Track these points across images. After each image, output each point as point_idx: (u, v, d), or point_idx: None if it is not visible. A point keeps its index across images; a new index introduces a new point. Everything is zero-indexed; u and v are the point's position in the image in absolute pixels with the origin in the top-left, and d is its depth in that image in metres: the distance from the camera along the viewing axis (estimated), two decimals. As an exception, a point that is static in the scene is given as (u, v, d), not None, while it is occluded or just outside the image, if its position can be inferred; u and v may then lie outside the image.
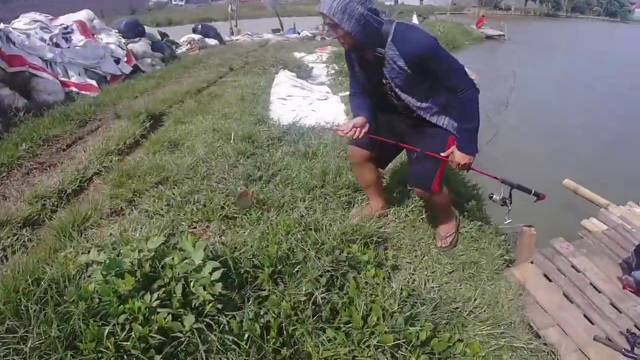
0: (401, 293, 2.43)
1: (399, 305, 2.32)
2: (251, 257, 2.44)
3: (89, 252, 2.20)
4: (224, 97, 6.32)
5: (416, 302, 2.46)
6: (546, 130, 9.30)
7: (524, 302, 3.08)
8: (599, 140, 8.80)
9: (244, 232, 2.76)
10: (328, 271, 2.43)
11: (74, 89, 6.57)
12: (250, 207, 2.98)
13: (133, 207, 3.06)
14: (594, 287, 3.28)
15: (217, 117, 5.20)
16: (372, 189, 3.18)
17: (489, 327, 2.51)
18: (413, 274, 2.87)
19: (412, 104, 2.58)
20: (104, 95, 6.28)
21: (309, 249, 2.57)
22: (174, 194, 3.13)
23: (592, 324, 2.97)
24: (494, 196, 2.84)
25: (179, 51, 11.82)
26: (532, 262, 3.58)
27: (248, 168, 3.61)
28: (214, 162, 3.70)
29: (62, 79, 6.63)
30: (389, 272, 2.77)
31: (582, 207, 5.87)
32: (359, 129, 2.54)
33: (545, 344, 2.72)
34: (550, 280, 3.38)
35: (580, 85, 14.38)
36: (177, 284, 1.98)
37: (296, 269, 2.41)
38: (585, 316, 3.03)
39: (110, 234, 2.72)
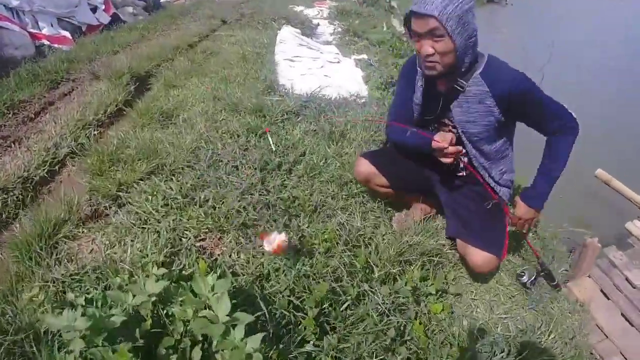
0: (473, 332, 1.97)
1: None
2: (287, 293, 1.79)
3: (64, 293, 1.53)
4: (221, 55, 5.47)
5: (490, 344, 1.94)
6: (580, 108, 8.48)
7: (585, 325, 2.77)
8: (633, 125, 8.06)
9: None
10: (387, 312, 1.83)
11: (45, 42, 5.66)
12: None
13: (119, 208, 2.35)
14: None
15: (216, 80, 4.40)
16: (405, 195, 2.60)
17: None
18: (475, 299, 2.33)
19: (478, 161, 2.12)
20: (78, 49, 5.31)
21: (360, 279, 1.94)
22: (172, 189, 2.41)
23: None
24: (524, 277, 2.45)
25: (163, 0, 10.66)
26: (589, 276, 3.32)
27: (263, 152, 2.89)
28: (219, 142, 2.96)
29: (32, 30, 5.69)
30: (452, 302, 2.22)
31: (615, 201, 5.45)
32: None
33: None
34: (608, 298, 3.18)
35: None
36: (193, 348, 1.36)
37: (347, 309, 1.84)
38: None
39: (92, 251, 2.03)
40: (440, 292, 2.16)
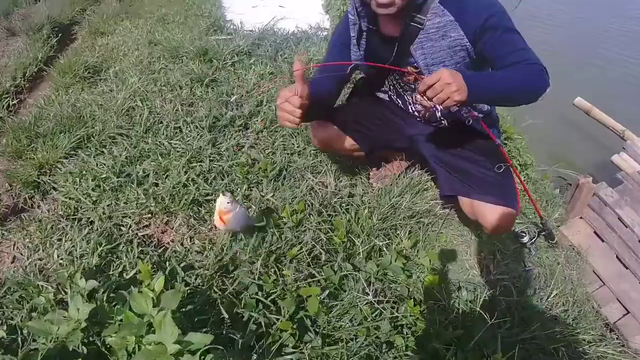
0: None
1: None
2: (255, 289, 1.45)
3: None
4: (157, -11, 4.76)
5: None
6: (561, 38, 8.05)
7: (582, 273, 2.71)
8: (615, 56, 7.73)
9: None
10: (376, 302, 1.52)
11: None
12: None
13: (43, 197, 1.90)
14: None
15: (152, 21, 3.77)
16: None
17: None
18: (469, 259, 2.08)
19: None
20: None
21: (341, 257, 1.61)
22: (104, 165, 1.97)
23: None
24: (525, 238, 2.18)
25: None
26: (580, 217, 3.23)
27: (212, 105, 2.43)
28: (157, 99, 2.47)
29: None
30: (447, 267, 1.94)
31: (596, 133, 5.24)
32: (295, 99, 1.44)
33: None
34: (602, 240, 3.13)
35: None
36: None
37: (329, 297, 1.53)
38: None
39: (14, 260, 1.62)
40: (432, 261, 1.85)
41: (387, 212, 1.92)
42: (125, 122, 2.27)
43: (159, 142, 2.10)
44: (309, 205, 1.89)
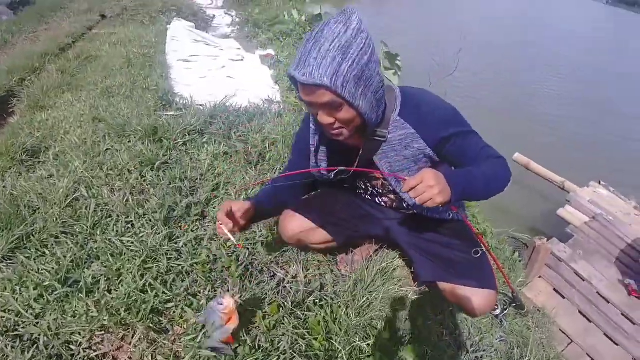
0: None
1: None
2: None
3: None
4: (100, 60, 4.61)
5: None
6: (496, 97, 8.64)
7: (551, 333, 2.76)
8: (546, 112, 8.41)
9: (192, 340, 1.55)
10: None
11: None
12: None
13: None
14: (603, 298, 3.32)
15: (96, 94, 3.61)
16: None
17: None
18: (444, 340, 2.05)
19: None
20: None
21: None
22: (46, 271, 1.75)
23: (617, 345, 2.99)
24: (497, 310, 2.14)
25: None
26: (540, 277, 3.43)
27: (165, 192, 2.28)
28: (104, 187, 2.28)
29: None
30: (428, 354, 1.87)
31: (538, 187, 5.64)
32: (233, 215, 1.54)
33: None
34: (563, 297, 3.32)
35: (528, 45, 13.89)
36: None
37: None
38: (607, 336, 3.06)
39: None
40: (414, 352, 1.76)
41: (363, 304, 1.83)
42: (68, 216, 2.06)
43: (109, 240, 1.91)
44: (281, 307, 1.75)
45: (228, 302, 1.42)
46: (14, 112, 3.53)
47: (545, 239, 3.36)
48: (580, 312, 3.23)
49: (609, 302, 3.25)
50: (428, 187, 1.22)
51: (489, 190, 1.42)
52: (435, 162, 1.56)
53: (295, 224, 1.82)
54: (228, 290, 1.79)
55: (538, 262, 3.26)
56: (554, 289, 3.40)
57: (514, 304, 2.15)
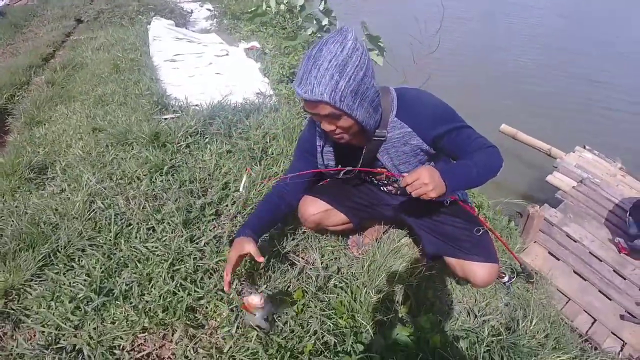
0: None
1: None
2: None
3: None
4: (87, 67, 4.61)
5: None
6: (478, 72, 8.73)
7: (549, 294, 2.89)
8: (528, 82, 8.51)
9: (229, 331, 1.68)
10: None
11: None
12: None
13: (15, 328, 1.73)
14: (595, 257, 3.52)
15: (89, 104, 3.64)
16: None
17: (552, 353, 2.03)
18: (454, 308, 2.20)
19: None
20: None
21: (352, 341, 1.69)
22: (79, 284, 1.84)
23: (610, 299, 3.20)
24: (505, 278, 2.41)
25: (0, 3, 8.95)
26: (535, 242, 3.59)
27: (177, 195, 2.37)
28: (120, 197, 2.37)
29: None
30: (442, 322, 2.04)
31: (525, 155, 5.78)
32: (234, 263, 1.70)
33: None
34: (557, 259, 3.48)
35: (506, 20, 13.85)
36: None
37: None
38: (601, 292, 3.26)
39: None
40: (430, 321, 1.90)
41: (379, 282, 1.96)
42: (90, 228, 2.14)
43: (134, 247, 2.01)
44: (305, 292, 1.88)
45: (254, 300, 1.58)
46: (10, 130, 3.55)
47: (538, 205, 3.49)
48: (575, 272, 3.40)
49: (601, 261, 3.43)
50: (423, 184, 1.41)
51: (482, 178, 1.59)
52: (433, 155, 1.74)
53: (314, 207, 1.96)
54: (255, 284, 1.90)
55: (532, 228, 3.41)
56: (549, 252, 3.56)
57: (523, 274, 2.35)
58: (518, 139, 5.64)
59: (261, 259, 1.65)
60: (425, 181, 1.41)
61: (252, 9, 5.54)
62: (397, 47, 5.26)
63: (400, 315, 1.91)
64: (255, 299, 1.58)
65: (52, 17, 6.90)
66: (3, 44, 5.87)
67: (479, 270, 1.80)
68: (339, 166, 1.81)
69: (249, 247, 1.66)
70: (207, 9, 7.09)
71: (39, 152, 2.89)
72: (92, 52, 5.07)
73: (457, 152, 1.65)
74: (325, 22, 5.36)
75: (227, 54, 4.83)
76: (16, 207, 2.35)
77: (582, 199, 4.24)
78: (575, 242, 3.64)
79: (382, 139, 1.68)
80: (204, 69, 4.36)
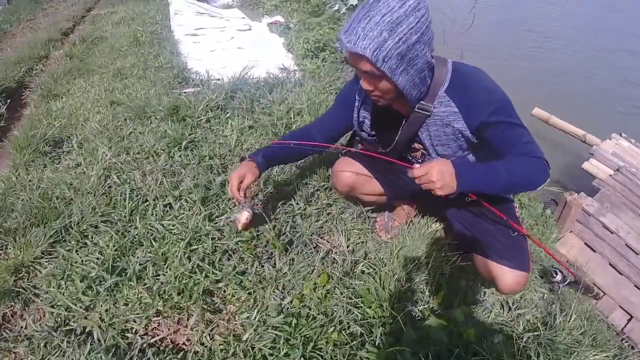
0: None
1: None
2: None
3: None
4: (107, 41, 4.51)
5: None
6: (512, 52, 8.35)
7: (585, 287, 2.57)
8: (564, 68, 8.11)
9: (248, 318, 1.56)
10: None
11: None
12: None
13: (25, 307, 1.64)
14: (632, 249, 3.31)
15: (108, 77, 3.54)
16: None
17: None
18: (486, 300, 1.99)
19: None
20: None
21: (382, 332, 1.55)
22: (91, 261, 1.74)
23: None
24: (557, 276, 1.96)
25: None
26: (571, 231, 3.37)
27: (196, 171, 2.25)
28: (136, 172, 2.25)
29: None
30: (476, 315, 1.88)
31: (559, 141, 5.48)
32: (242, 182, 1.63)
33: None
34: (594, 250, 3.29)
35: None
36: None
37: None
38: (638, 287, 3.05)
39: None
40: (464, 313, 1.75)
41: (410, 270, 1.81)
42: (104, 204, 2.04)
43: (150, 225, 1.89)
44: (330, 277, 1.74)
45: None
46: (27, 103, 3.47)
47: (576, 194, 3.29)
48: (610, 264, 3.21)
49: (637, 254, 3.22)
50: (430, 181, 1.30)
51: (513, 188, 1.52)
52: (473, 144, 1.54)
53: (351, 169, 1.83)
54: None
55: (569, 217, 3.22)
56: (585, 243, 3.35)
57: (580, 286, 2.16)
58: (551, 123, 5.37)
59: (240, 197, 1.62)
60: (432, 179, 1.29)
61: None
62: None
63: (432, 306, 1.75)
64: (243, 215, 1.66)
65: (73, -8, 6.81)
66: (23, 19, 5.79)
67: (507, 276, 1.62)
68: (373, 132, 1.70)
69: (249, 176, 1.62)
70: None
71: (55, 125, 2.79)
72: (112, 26, 4.97)
73: (499, 149, 1.44)
74: (354, 1, 5.16)
75: (249, 29, 4.66)
76: (29, 181, 2.27)
77: (619, 188, 4.02)
78: (612, 233, 3.42)
79: (427, 113, 1.50)
80: (226, 44, 4.21)
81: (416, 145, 1.65)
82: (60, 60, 4.02)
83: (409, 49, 1.25)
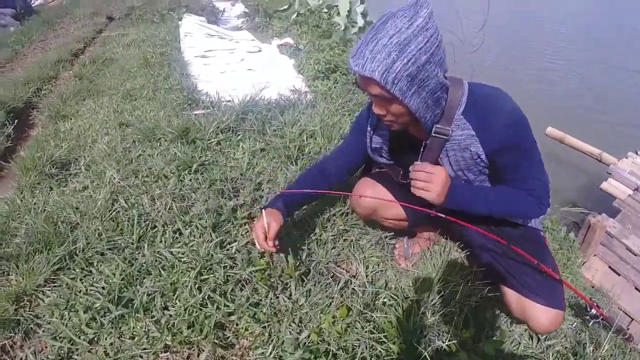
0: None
1: None
2: None
3: None
4: (116, 62, 4.49)
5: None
6: (523, 73, 8.34)
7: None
8: (575, 86, 8.08)
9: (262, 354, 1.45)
10: None
11: None
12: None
13: (25, 338, 1.55)
14: None
15: (118, 99, 3.49)
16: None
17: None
18: (513, 330, 1.86)
19: None
20: None
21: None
22: (96, 290, 1.64)
23: None
24: (591, 311, 2.10)
25: (35, 3, 9.04)
26: (595, 255, 3.30)
27: (207, 196, 2.16)
28: (144, 196, 2.17)
29: None
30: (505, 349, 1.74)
31: (572, 160, 5.32)
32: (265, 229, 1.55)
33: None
34: (618, 274, 3.20)
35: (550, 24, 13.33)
36: None
37: None
38: None
39: None
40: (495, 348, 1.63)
41: (437, 302, 1.69)
42: (111, 229, 1.95)
43: (158, 252, 1.80)
44: (350, 310, 1.63)
45: None
46: (34, 124, 3.42)
47: (600, 216, 3.19)
48: (636, 288, 3.07)
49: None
50: (427, 184, 1.36)
51: (501, 216, 1.54)
52: (487, 167, 1.48)
53: (372, 192, 1.73)
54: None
55: (594, 240, 3.11)
56: (609, 267, 3.23)
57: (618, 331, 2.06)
58: (566, 143, 5.27)
59: (271, 248, 1.53)
60: (431, 181, 1.36)
61: (285, 7, 5.35)
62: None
63: (460, 340, 1.63)
64: None
65: (84, 15, 6.88)
66: (35, 40, 5.83)
67: (541, 315, 1.50)
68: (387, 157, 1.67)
69: (274, 224, 1.54)
70: (239, 8, 6.91)
71: (62, 146, 2.73)
72: (123, 48, 4.97)
73: (504, 174, 1.45)
74: (361, 22, 5.14)
75: (259, 50, 4.63)
76: (35, 204, 2.19)
77: (639, 209, 3.89)
78: (636, 255, 3.28)
79: (445, 137, 1.42)
80: (236, 65, 4.17)
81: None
82: (69, 81, 3.99)
83: (420, 70, 1.20)
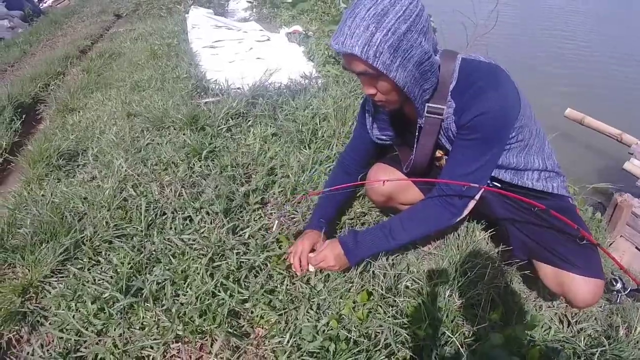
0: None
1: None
2: None
3: None
4: (124, 56, 4.44)
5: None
6: (539, 54, 8.13)
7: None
8: (594, 66, 7.86)
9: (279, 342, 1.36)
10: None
11: None
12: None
13: (31, 330, 1.48)
14: None
15: (126, 90, 3.43)
16: None
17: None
18: (543, 314, 1.75)
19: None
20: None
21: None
22: (104, 280, 1.57)
23: None
24: (618, 284, 1.74)
25: (44, 5, 9.06)
26: (621, 236, 3.13)
27: (217, 181, 2.07)
28: (153, 183, 2.09)
29: None
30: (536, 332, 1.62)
31: (592, 141, 5.20)
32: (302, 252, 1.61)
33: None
34: None
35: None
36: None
37: None
38: None
39: None
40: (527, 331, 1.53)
41: (463, 285, 1.59)
42: (119, 218, 1.87)
43: (168, 239, 1.71)
44: (371, 294, 1.53)
45: None
46: (42, 118, 3.38)
47: (626, 195, 3.04)
48: (662, 270, 2.92)
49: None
50: (330, 267, 1.52)
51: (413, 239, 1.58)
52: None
53: (387, 176, 1.64)
54: None
55: (620, 220, 2.97)
56: (637, 247, 3.09)
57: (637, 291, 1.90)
58: (585, 124, 5.09)
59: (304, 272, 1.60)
60: (331, 263, 1.50)
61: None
62: (448, 27, 4.85)
63: (489, 324, 1.53)
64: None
65: (91, 14, 6.89)
66: (43, 39, 5.82)
67: (582, 286, 1.42)
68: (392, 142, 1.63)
69: (306, 244, 1.61)
70: (246, 0, 6.83)
71: (70, 138, 2.67)
72: (130, 42, 4.93)
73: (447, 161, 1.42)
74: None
75: (268, 39, 4.54)
76: (42, 195, 2.12)
77: (661, 189, 3.75)
78: (661, 236, 3.14)
79: (440, 117, 1.33)
80: (245, 54, 4.09)
81: (438, 153, 1.50)
82: (77, 76, 3.94)
83: (401, 40, 1.14)
